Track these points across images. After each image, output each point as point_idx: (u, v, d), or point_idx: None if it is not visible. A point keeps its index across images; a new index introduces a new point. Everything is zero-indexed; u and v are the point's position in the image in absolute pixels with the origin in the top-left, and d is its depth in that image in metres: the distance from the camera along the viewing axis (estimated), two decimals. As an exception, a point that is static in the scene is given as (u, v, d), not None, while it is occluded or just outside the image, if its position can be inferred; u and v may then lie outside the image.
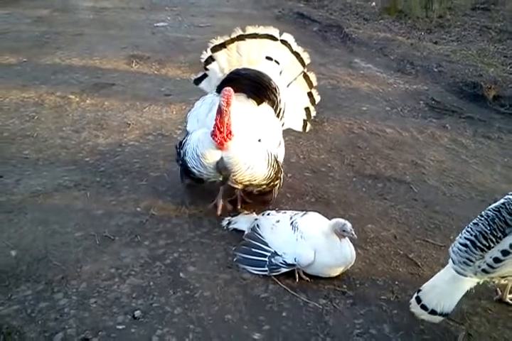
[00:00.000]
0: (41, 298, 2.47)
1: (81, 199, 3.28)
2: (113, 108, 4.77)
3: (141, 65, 5.99)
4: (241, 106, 2.91)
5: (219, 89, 3.01)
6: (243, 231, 2.90)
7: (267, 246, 2.70)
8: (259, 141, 2.94)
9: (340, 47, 7.29)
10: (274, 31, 3.21)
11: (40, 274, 2.63)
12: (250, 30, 3.16)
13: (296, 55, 3.28)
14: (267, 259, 2.65)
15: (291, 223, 2.67)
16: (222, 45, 3.14)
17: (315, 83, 3.40)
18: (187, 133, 3.03)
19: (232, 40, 3.12)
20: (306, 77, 3.36)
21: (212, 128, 2.71)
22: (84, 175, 3.58)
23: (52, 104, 4.79)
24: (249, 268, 2.68)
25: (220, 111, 2.68)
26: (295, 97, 3.36)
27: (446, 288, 2.20)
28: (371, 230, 3.09)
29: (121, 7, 9.50)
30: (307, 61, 3.34)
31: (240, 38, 3.12)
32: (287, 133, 4.33)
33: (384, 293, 2.59)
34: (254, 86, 3.06)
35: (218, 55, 3.16)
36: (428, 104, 5.20)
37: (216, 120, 2.70)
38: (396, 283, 2.66)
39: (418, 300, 2.25)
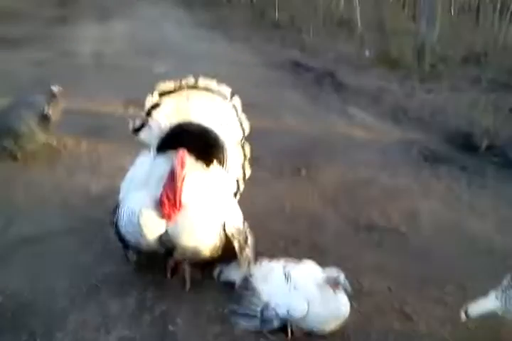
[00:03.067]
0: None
1: (70, 246, 3.22)
2: (108, 152, 4.76)
3: (138, 109, 6.03)
4: (189, 170, 2.53)
5: (161, 147, 2.75)
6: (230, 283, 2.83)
7: (260, 297, 2.63)
8: (210, 209, 2.59)
9: (334, 96, 7.40)
10: (226, 90, 2.99)
11: (24, 323, 2.55)
12: (203, 82, 2.91)
13: (239, 121, 3.04)
14: (258, 312, 2.58)
15: (285, 273, 2.61)
16: (172, 91, 2.85)
17: (248, 155, 3.12)
18: (118, 201, 2.71)
19: (183, 88, 2.86)
20: (242, 147, 3.10)
21: (160, 196, 2.41)
22: (75, 221, 3.52)
23: (47, 146, 4.78)
24: (240, 321, 2.61)
25: (171, 176, 2.40)
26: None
27: None
28: (366, 282, 3.02)
29: (122, 52, 9.70)
30: (247, 130, 3.08)
31: (192, 87, 2.87)
32: (282, 179, 4.35)
33: (379, 349, 2.51)
34: (203, 145, 2.77)
35: (166, 101, 2.85)
36: (422, 153, 5.22)
37: (165, 187, 2.41)
38: (391, 338, 2.58)
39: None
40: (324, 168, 4.67)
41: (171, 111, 2.84)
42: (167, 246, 2.50)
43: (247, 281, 2.74)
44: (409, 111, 6.62)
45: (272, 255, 3.12)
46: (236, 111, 3.02)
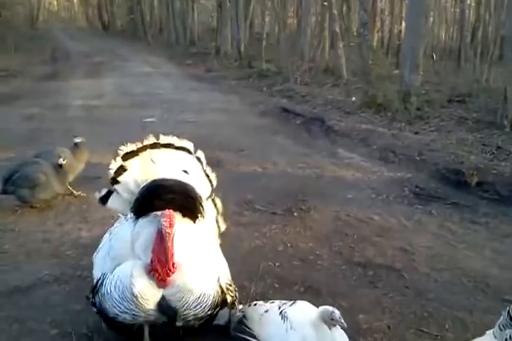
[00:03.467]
0: None
1: (60, 294, 3.15)
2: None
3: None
4: (178, 228, 2.31)
5: (139, 209, 2.49)
6: (222, 326, 2.75)
7: (256, 338, 2.55)
8: (204, 265, 2.45)
9: (324, 139, 7.53)
10: (189, 145, 2.86)
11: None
12: (165, 139, 2.78)
13: (206, 175, 2.89)
14: (255, 354, 2.50)
15: (280, 312, 2.54)
16: (135, 153, 2.69)
17: (221, 209, 2.94)
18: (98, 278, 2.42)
19: (145, 148, 2.72)
20: (213, 201, 2.92)
21: (150, 262, 2.23)
22: (65, 269, 3.47)
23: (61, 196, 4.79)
24: (236, 365, 2.52)
25: (159, 238, 2.22)
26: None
27: None
28: (363, 321, 2.96)
29: (112, 105, 9.89)
30: (215, 183, 2.92)
31: (154, 146, 2.74)
32: (274, 220, 4.35)
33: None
34: (186, 200, 2.53)
35: (131, 163, 2.68)
36: (413, 191, 5.26)
37: (155, 250, 2.23)
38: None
39: None
40: (316, 207, 4.67)
41: (137, 173, 2.68)
42: (168, 313, 2.30)
43: (241, 324, 2.67)
44: (398, 150, 6.70)
45: (266, 296, 3.08)
46: (201, 164, 2.88)
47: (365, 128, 8.12)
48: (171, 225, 2.19)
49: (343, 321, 2.36)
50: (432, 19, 20.99)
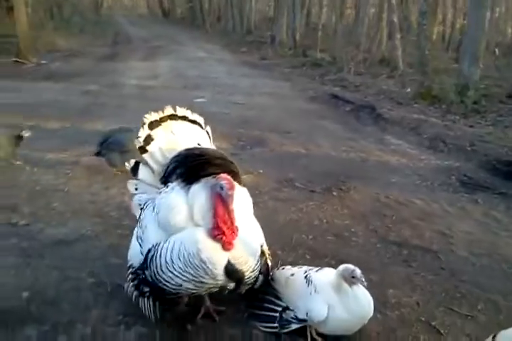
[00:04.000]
0: (44, 340, 2.41)
1: (100, 249, 3.29)
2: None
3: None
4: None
5: (188, 176, 2.40)
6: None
7: (280, 300, 2.59)
8: (253, 228, 2.49)
9: (372, 126, 7.42)
10: (201, 119, 2.85)
11: (47, 316, 2.59)
12: (181, 111, 2.76)
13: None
14: (277, 314, 2.54)
15: (306, 276, 2.57)
16: (158, 122, 2.68)
17: None
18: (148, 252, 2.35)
19: (166, 118, 2.71)
20: None
21: (214, 226, 2.21)
22: (107, 227, 3.61)
23: (87, 163, 4.96)
24: (259, 324, 2.57)
25: (221, 201, 2.22)
26: None
27: None
28: (392, 295, 2.93)
29: (165, 86, 10.10)
30: None
31: (173, 117, 2.72)
32: (313, 198, 4.35)
33: (402, 358, 2.40)
34: (231, 164, 2.51)
35: (156, 133, 2.67)
36: (460, 180, 5.12)
37: (217, 214, 2.22)
38: (416, 350, 2.47)
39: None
40: (356, 188, 4.63)
41: (162, 143, 2.67)
42: (236, 276, 2.28)
43: (268, 286, 2.71)
44: (448, 140, 6.53)
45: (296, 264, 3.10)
46: (210, 139, 2.88)
47: (416, 117, 7.94)
48: (231, 187, 2.19)
49: (363, 279, 2.36)
50: (497, 14, 20.26)
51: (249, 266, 2.30)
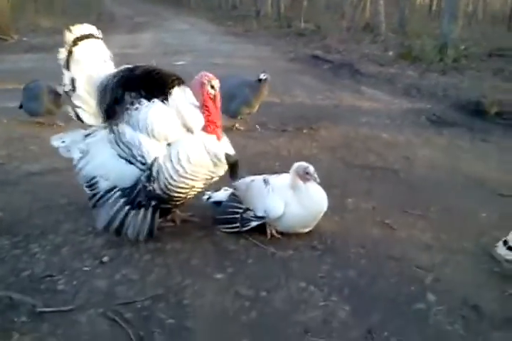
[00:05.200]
0: (16, 247, 2.55)
1: (72, 178, 3.40)
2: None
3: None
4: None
5: (159, 90, 2.49)
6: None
7: (241, 203, 2.74)
8: None
9: (350, 79, 7.53)
10: (99, 33, 2.72)
11: (20, 230, 2.72)
12: (80, 30, 2.61)
13: None
14: (239, 216, 2.68)
15: (264, 180, 2.72)
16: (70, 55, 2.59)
17: None
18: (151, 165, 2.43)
19: (74, 47, 2.59)
20: None
21: (207, 121, 2.44)
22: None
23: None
24: (221, 226, 2.72)
25: (210, 97, 2.45)
26: None
27: None
28: (351, 203, 3.10)
29: (146, 53, 10.11)
30: None
31: (77, 42, 2.60)
32: (284, 135, 4.47)
33: (354, 247, 2.57)
34: (173, 73, 2.59)
35: (75, 70, 2.61)
36: (429, 119, 5.26)
37: (209, 109, 2.45)
38: (368, 241, 2.63)
39: (505, 242, 2.35)
40: (327, 127, 4.77)
41: (86, 61, 2.62)
42: (231, 160, 2.51)
43: (232, 195, 2.85)
44: (423, 88, 6.65)
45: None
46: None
47: (393, 72, 8.04)
48: (211, 77, 2.44)
49: (316, 176, 2.51)
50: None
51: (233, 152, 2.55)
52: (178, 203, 2.59)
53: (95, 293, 2.17)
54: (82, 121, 2.64)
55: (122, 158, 2.48)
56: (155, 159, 2.43)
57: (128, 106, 2.50)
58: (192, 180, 2.45)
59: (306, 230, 2.66)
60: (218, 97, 2.47)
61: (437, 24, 13.93)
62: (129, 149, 2.49)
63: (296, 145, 4.23)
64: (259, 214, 2.61)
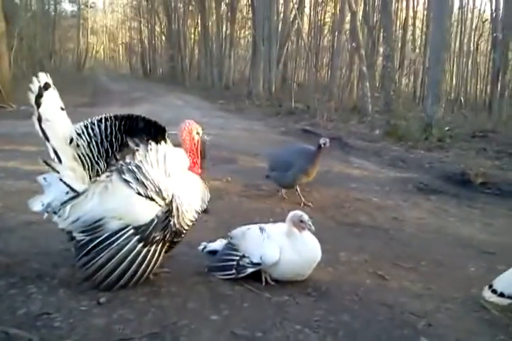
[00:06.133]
0: (13, 287, 2.56)
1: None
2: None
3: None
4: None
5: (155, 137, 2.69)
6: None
7: (237, 251, 2.80)
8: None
9: (339, 151, 7.80)
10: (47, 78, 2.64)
11: (16, 272, 2.73)
12: (44, 78, 2.61)
13: None
14: (235, 263, 2.74)
15: (260, 228, 2.81)
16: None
17: None
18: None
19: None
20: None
21: (192, 163, 2.77)
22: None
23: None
24: (217, 273, 2.76)
25: (193, 140, 2.82)
26: None
27: None
28: (344, 256, 3.17)
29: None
30: None
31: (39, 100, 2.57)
32: (276, 194, 4.60)
33: (348, 295, 2.62)
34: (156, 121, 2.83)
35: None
36: (416, 186, 5.45)
37: (192, 151, 2.79)
38: (361, 289, 2.69)
39: (490, 286, 2.47)
40: (318, 190, 4.93)
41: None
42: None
43: (228, 244, 2.92)
44: (409, 160, 6.94)
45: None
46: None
47: (380, 146, 8.40)
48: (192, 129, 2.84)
49: (311, 223, 2.63)
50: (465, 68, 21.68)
51: None
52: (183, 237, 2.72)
53: (92, 330, 2.17)
54: (73, 190, 2.55)
55: (142, 196, 2.56)
56: (173, 195, 2.60)
57: (136, 148, 2.64)
58: (198, 213, 2.70)
59: (301, 279, 2.71)
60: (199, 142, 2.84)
61: (421, 108, 14.78)
62: (153, 185, 2.58)
63: (289, 204, 4.35)
64: (255, 260, 2.67)
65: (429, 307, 2.50)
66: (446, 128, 10.33)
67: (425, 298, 2.60)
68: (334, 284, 2.73)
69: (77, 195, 2.56)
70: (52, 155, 2.54)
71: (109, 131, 2.68)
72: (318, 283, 2.72)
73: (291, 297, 2.55)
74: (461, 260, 3.19)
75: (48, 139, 2.53)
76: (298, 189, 4.53)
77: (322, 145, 4.40)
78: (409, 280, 2.84)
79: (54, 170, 2.53)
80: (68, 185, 2.55)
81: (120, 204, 2.56)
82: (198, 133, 2.84)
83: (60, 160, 2.54)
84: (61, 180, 2.53)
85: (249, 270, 2.68)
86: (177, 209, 2.60)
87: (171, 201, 2.59)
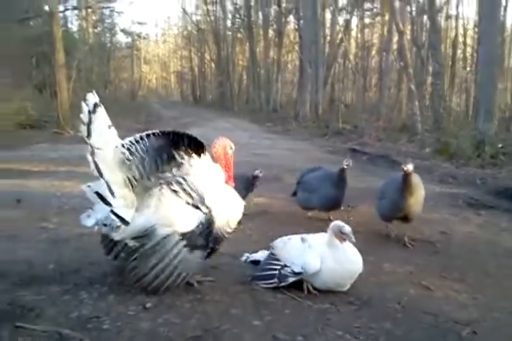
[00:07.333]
0: (66, 293, 2.70)
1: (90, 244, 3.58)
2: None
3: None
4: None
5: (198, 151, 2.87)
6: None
7: (278, 261, 2.84)
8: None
9: (386, 168, 7.74)
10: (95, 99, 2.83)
11: (69, 280, 2.89)
12: (93, 98, 2.82)
13: None
14: (277, 272, 2.78)
15: (301, 238, 2.85)
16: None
17: None
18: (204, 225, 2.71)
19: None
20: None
21: (227, 176, 2.95)
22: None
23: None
24: (260, 282, 2.81)
25: (228, 155, 3.02)
26: None
27: None
28: (388, 267, 3.16)
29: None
30: None
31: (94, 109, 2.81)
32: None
33: (391, 303, 2.61)
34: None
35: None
36: (466, 202, 5.32)
37: (227, 165, 2.98)
38: (405, 298, 2.66)
39: None
40: (362, 206, 4.90)
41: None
42: None
43: (270, 254, 2.97)
44: (459, 177, 6.79)
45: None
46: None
47: (430, 164, 8.26)
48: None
49: (352, 235, 2.64)
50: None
51: None
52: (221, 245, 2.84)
53: (138, 333, 2.27)
54: (123, 221, 2.62)
55: (189, 205, 2.72)
56: (214, 204, 2.75)
57: (182, 161, 2.79)
58: (236, 223, 2.85)
59: (342, 289, 2.72)
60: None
61: (473, 126, 14.42)
62: (197, 195, 2.74)
63: (334, 217, 4.34)
64: (297, 270, 2.71)
65: (475, 316, 2.45)
66: (500, 145, 10.04)
67: (471, 308, 2.56)
68: (377, 293, 2.72)
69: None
70: (106, 191, 2.62)
71: (157, 145, 2.80)
72: (360, 292, 2.72)
73: (333, 305, 2.57)
74: (510, 271, 3.10)
75: (101, 174, 2.62)
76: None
77: (344, 168, 4.38)
78: (455, 290, 2.79)
79: (107, 204, 2.63)
80: (119, 216, 2.62)
81: (170, 212, 2.70)
82: (231, 148, 3.03)
83: (112, 194, 2.62)
84: (112, 211, 2.61)
85: (291, 279, 2.72)
86: (218, 217, 2.72)
87: (213, 210, 2.72)
